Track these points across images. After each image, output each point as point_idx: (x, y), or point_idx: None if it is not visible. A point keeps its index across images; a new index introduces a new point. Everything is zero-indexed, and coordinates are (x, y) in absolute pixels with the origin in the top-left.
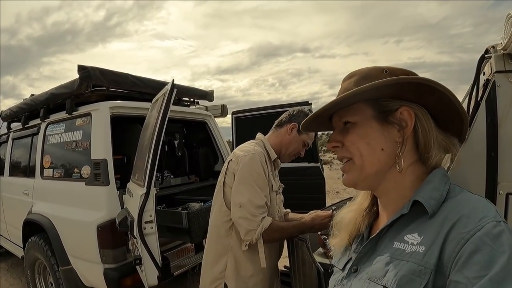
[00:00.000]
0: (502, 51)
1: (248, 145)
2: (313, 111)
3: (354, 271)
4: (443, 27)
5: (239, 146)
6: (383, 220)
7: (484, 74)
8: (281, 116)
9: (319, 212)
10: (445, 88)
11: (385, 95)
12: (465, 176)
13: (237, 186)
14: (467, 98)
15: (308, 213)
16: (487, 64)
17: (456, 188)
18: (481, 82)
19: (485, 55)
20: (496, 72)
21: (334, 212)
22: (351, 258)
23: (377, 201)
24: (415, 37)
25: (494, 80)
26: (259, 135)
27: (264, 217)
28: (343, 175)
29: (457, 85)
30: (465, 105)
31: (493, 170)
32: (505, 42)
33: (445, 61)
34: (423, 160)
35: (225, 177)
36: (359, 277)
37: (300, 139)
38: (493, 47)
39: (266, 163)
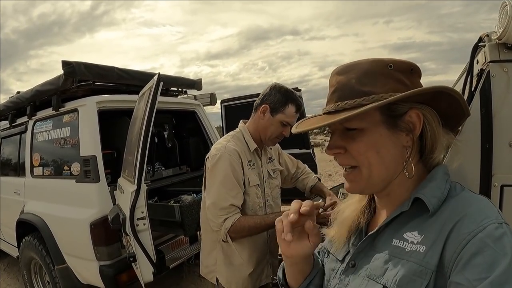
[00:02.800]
0: (497, 40)
1: (222, 141)
2: (302, 96)
3: (352, 266)
4: (433, 7)
5: (218, 140)
6: (382, 217)
7: (477, 62)
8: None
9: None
10: (461, 96)
11: (399, 100)
12: (460, 168)
13: (206, 187)
14: (461, 87)
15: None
16: (480, 53)
17: (457, 186)
18: (475, 71)
19: (479, 44)
20: (491, 61)
21: (322, 202)
22: (350, 251)
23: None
24: (405, 17)
25: (489, 70)
26: (240, 123)
27: (227, 218)
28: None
29: (446, 64)
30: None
31: (487, 162)
32: (500, 31)
33: (435, 41)
34: (425, 159)
35: (204, 175)
36: (358, 274)
37: (276, 120)
38: (487, 35)
39: (245, 157)
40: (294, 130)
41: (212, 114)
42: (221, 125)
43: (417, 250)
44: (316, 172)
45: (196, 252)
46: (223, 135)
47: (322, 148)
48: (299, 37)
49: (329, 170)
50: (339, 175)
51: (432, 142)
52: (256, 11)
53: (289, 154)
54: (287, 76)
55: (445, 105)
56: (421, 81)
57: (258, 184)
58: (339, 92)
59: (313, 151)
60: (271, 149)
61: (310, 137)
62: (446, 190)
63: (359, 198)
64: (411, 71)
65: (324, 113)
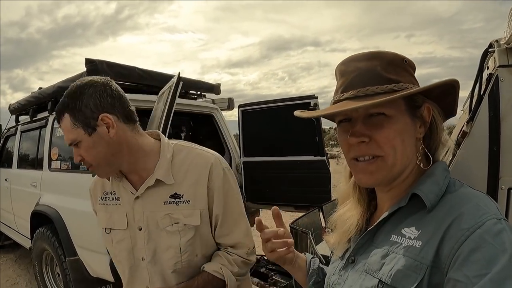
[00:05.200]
0: (506, 45)
1: None
2: (319, 106)
3: (352, 261)
4: (454, 21)
5: None
6: (383, 213)
7: (488, 68)
8: None
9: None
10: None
11: (428, 90)
12: (467, 171)
13: None
14: (470, 92)
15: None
16: (490, 59)
17: (456, 182)
18: (485, 76)
19: (489, 50)
20: (500, 66)
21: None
22: (350, 248)
23: (375, 194)
24: (426, 32)
25: (497, 74)
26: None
27: None
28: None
29: (465, 81)
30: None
31: (495, 165)
32: (508, 36)
33: (455, 56)
34: (431, 154)
35: None
36: (356, 269)
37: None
38: (496, 41)
39: (102, 188)
40: (298, 113)
41: (230, 122)
42: (238, 132)
43: (414, 245)
44: (329, 182)
45: None
46: (240, 142)
47: (337, 160)
48: (320, 49)
49: (333, 182)
50: None
51: (437, 137)
52: (277, 21)
53: (303, 160)
54: (306, 87)
55: (449, 103)
56: None
57: (110, 229)
58: (364, 77)
59: (327, 158)
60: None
61: (326, 148)
62: (444, 186)
63: (357, 202)
64: (414, 68)
65: (347, 98)
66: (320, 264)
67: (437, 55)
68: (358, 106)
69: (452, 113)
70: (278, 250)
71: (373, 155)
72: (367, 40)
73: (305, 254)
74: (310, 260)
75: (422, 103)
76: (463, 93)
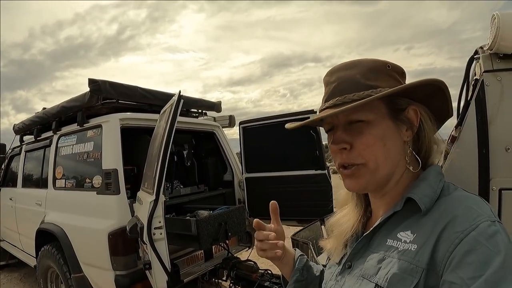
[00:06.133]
0: (489, 50)
1: None
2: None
3: (348, 267)
4: (453, 32)
5: None
6: (378, 218)
7: (475, 74)
8: None
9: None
10: (450, 95)
11: (400, 94)
12: (458, 173)
13: None
14: (457, 97)
15: None
16: (476, 65)
17: (450, 185)
18: (472, 82)
19: (474, 56)
20: (485, 71)
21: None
22: (346, 253)
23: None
24: (426, 44)
25: (483, 80)
26: None
27: None
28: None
29: None
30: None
31: (485, 167)
32: (490, 42)
33: (455, 66)
34: (422, 157)
35: None
36: (353, 274)
37: None
38: (481, 47)
39: None
40: (288, 126)
41: (231, 141)
42: (239, 149)
43: (409, 249)
44: (330, 195)
45: (210, 268)
46: (242, 160)
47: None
48: (321, 64)
49: None
50: None
51: (427, 139)
52: (278, 38)
53: (305, 175)
54: (308, 103)
55: (438, 104)
56: None
57: None
58: (343, 85)
59: (328, 172)
60: None
61: (329, 164)
62: (438, 189)
63: (354, 206)
64: (402, 73)
65: (327, 107)
66: (311, 263)
67: (437, 66)
68: (327, 115)
69: (447, 114)
70: (268, 250)
71: (354, 163)
72: (367, 54)
73: (295, 250)
74: (298, 258)
75: (406, 106)
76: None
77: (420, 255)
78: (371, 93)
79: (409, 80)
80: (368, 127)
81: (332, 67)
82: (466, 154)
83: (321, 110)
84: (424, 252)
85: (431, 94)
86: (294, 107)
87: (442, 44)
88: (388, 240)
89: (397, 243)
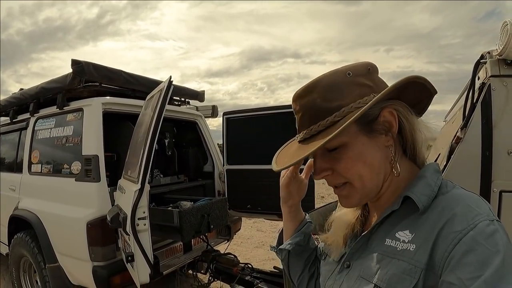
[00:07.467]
0: (498, 56)
1: None
2: None
3: (347, 266)
4: (433, 37)
5: None
6: (376, 217)
7: (478, 78)
8: None
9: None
10: (425, 79)
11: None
12: (460, 174)
13: None
14: (464, 100)
15: None
16: (482, 69)
17: (448, 183)
18: (477, 86)
19: (481, 60)
20: (492, 76)
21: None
22: (346, 253)
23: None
24: (405, 47)
25: (489, 84)
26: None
27: None
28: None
29: (444, 94)
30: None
31: (487, 169)
32: (501, 48)
33: (433, 70)
34: (410, 154)
35: None
36: (351, 274)
37: None
38: (488, 52)
39: None
40: (275, 168)
41: (211, 132)
42: (222, 140)
43: (408, 248)
44: (313, 191)
45: (189, 261)
46: (224, 151)
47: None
48: (300, 60)
49: (322, 192)
50: (331, 197)
51: (411, 134)
52: (259, 32)
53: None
54: (285, 98)
55: (414, 93)
56: None
57: None
58: (306, 116)
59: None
60: None
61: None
62: (436, 187)
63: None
64: (368, 71)
65: (299, 141)
66: (313, 235)
67: (415, 69)
68: (290, 164)
69: (427, 96)
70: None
71: (339, 183)
72: (347, 53)
73: (306, 214)
74: (307, 223)
75: (379, 112)
76: (441, 107)
77: (419, 255)
78: (334, 118)
79: (388, 81)
80: (345, 151)
81: (296, 91)
82: (469, 155)
83: (299, 141)
84: (423, 252)
85: (402, 90)
86: (271, 101)
87: (421, 48)
88: (387, 239)
89: (395, 243)
